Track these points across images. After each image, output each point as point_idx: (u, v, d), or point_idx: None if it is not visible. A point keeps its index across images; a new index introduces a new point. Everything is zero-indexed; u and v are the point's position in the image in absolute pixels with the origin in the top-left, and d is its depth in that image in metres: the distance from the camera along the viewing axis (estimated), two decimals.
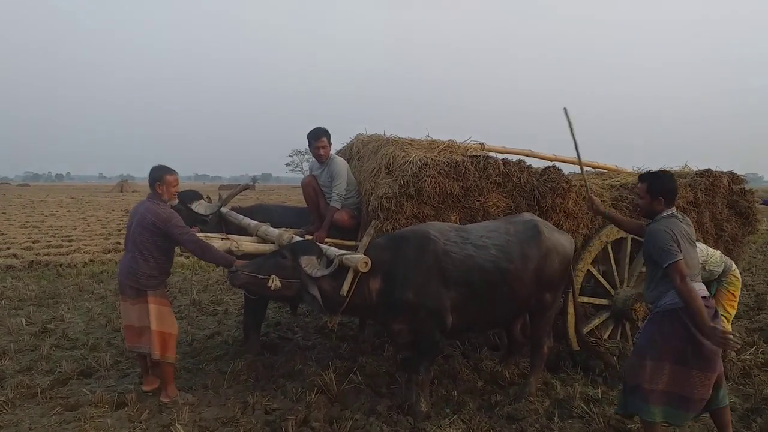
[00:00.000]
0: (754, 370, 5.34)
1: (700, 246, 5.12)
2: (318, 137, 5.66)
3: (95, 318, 7.42)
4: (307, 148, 5.86)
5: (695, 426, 4.23)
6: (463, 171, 5.00)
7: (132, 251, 4.66)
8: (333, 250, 4.53)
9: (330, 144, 5.76)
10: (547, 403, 4.67)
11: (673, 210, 3.80)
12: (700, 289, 3.65)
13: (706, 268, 5.25)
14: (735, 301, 5.49)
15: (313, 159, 5.92)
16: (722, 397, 3.70)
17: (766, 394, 4.76)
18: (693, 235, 3.77)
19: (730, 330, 5.25)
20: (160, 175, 4.74)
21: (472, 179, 5.05)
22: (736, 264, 5.66)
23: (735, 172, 6.62)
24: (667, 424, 3.94)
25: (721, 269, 5.40)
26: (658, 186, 3.80)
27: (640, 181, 3.94)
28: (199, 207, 5.64)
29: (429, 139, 5.78)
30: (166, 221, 4.55)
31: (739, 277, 5.50)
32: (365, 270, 4.22)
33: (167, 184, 4.75)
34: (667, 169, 3.84)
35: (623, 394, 3.84)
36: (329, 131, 5.73)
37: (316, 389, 4.85)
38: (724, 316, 5.35)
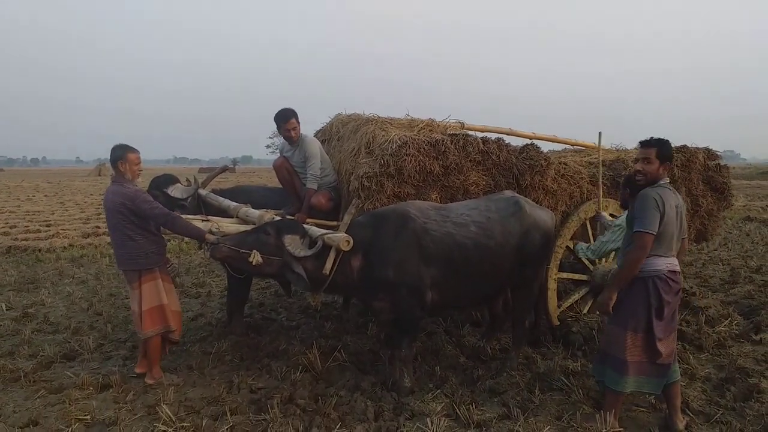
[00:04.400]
0: (728, 342, 5.50)
1: None
2: (287, 119, 5.59)
3: (76, 302, 7.38)
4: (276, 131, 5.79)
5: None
6: (442, 149, 5.01)
7: (119, 237, 4.61)
8: (315, 230, 4.54)
9: (299, 124, 5.69)
10: (528, 377, 4.76)
11: (667, 180, 3.79)
12: (673, 264, 3.70)
13: None
14: None
15: (284, 140, 5.87)
16: (673, 372, 3.81)
17: (739, 365, 4.89)
18: (683, 208, 3.77)
19: None
20: (121, 153, 4.65)
21: (452, 158, 5.06)
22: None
23: (710, 148, 6.72)
24: (641, 394, 4.04)
25: None
26: (667, 151, 3.74)
27: (649, 146, 3.76)
28: (176, 191, 5.58)
29: (409, 118, 5.78)
30: (133, 198, 4.51)
31: None
32: (347, 249, 4.24)
33: (129, 163, 4.66)
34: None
35: (601, 364, 3.91)
36: (297, 112, 5.66)
37: (300, 368, 4.89)
38: None
